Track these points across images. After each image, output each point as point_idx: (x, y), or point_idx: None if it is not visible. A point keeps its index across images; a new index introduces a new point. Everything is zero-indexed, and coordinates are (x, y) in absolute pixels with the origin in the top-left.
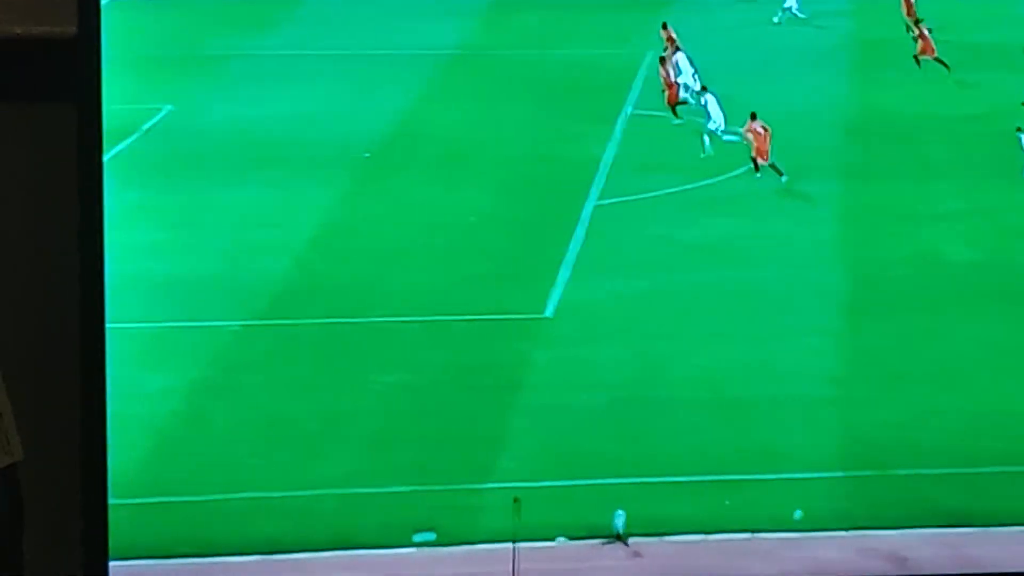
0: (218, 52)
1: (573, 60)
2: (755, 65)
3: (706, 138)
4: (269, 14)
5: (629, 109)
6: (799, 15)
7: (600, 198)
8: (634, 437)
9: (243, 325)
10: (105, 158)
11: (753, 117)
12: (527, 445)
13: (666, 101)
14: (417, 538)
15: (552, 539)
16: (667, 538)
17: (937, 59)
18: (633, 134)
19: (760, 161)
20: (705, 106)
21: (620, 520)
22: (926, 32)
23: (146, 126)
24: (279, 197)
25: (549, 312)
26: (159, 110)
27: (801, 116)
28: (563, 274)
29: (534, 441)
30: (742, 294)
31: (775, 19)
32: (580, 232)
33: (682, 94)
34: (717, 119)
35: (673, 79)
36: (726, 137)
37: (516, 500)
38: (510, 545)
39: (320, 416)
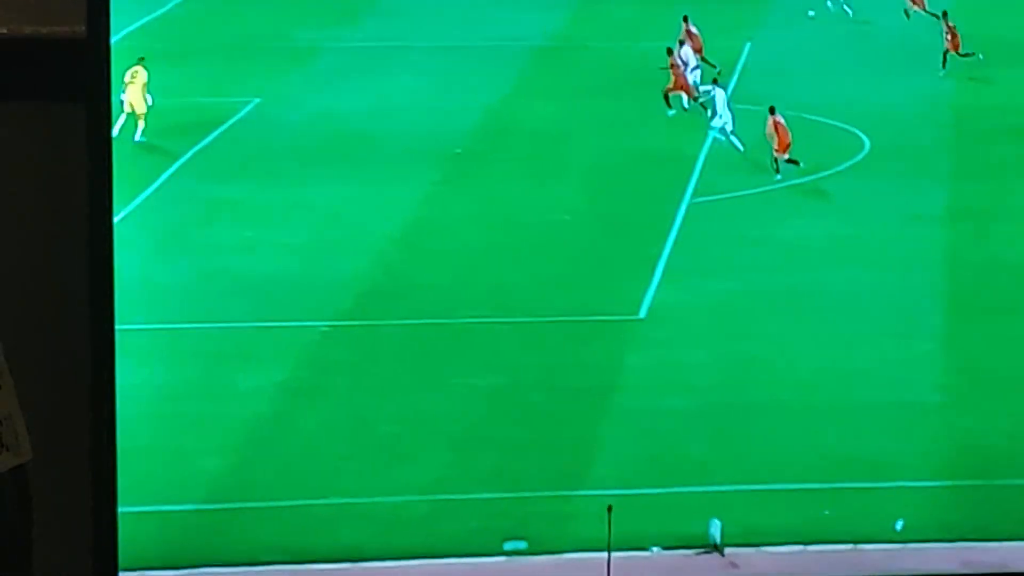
0: (306, 44)
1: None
2: (842, 64)
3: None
4: (357, 5)
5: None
6: (847, 10)
7: (695, 196)
8: (730, 443)
9: (330, 326)
10: (191, 152)
11: (772, 111)
12: (619, 451)
13: (664, 89)
14: (508, 546)
15: (646, 549)
16: (764, 548)
17: (963, 54)
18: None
19: (779, 156)
20: (713, 100)
21: (716, 529)
22: (954, 28)
23: (233, 120)
24: (366, 193)
25: (642, 314)
26: (247, 103)
27: (901, 117)
28: (656, 275)
29: (626, 447)
30: (841, 296)
31: (810, 13)
32: (674, 231)
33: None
34: (724, 117)
35: (681, 70)
36: (729, 138)
37: (609, 508)
38: (603, 554)
39: (407, 419)
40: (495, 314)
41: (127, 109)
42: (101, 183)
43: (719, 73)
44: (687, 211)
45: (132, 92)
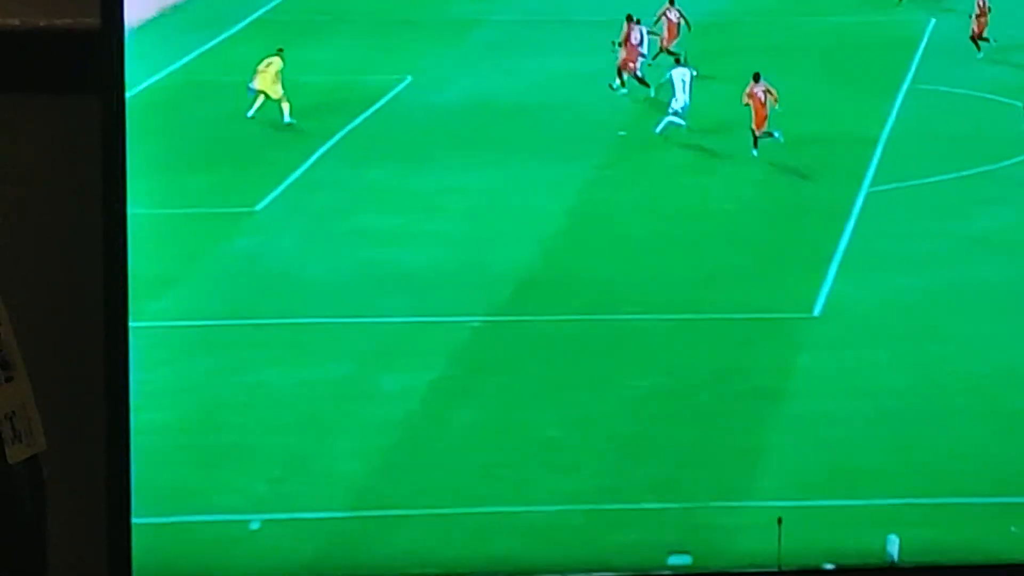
0: (461, 17)
1: (850, 27)
2: None
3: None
4: None
5: (908, 82)
6: None
7: (874, 184)
8: (910, 452)
9: (484, 321)
10: (339, 135)
11: (756, 79)
12: (790, 459)
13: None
14: (672, 560)
15: (819, 565)
16: (946, 567)
17: (982, 38)
18: (912, 111)
19: (756, 131)
20: (670, 81)
21: (894, 546)
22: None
23: (383, 100)
24: (524, 179)
25: (816, 311)
26: (398, 81)
27: None
28: (832, 269)
29: (798, 455)
30: None
31: None
32: (851, 222)
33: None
34: (681, 99)
35: (635, 44)
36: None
37: (779, 521)
38: (774, 571)
39: (566, 423)
40: (659, 310)
41: (259, 97)
42: (115, 175)
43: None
44: (865, 200)
45: (262, 80)
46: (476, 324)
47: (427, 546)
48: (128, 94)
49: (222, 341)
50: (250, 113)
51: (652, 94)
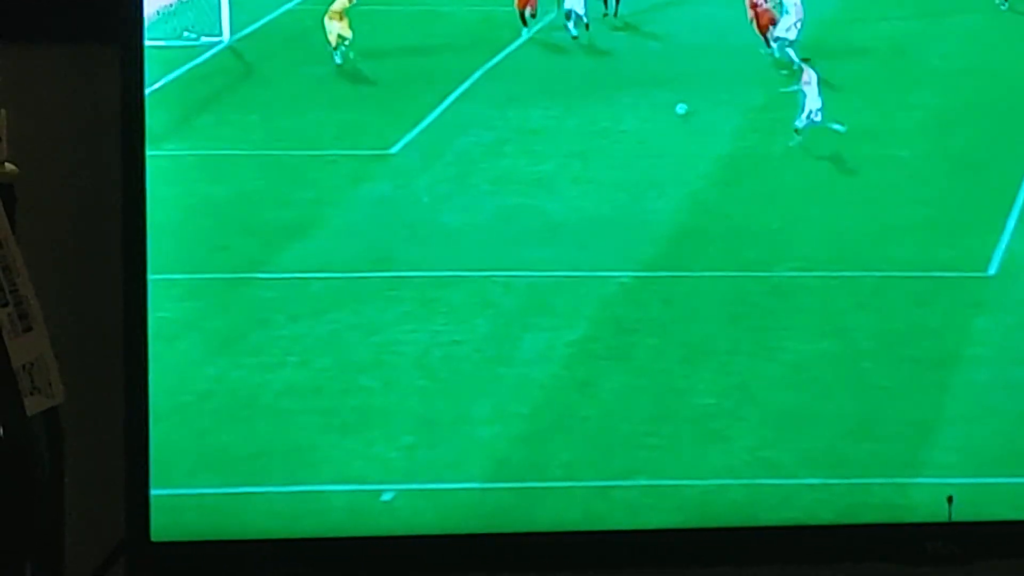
0: None
1: None
2: None
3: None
4: None
5: None
6: None
7: None
8: None
9: (633, 277)
10: (481, 70)
11: None
12: (964, 432)
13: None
14: None
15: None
16: None
17: None
18: None
19: (764, 34)
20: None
21: None
22: None
23: (529, 33)
24: (679, 121)
25: (992, 270)
26: (545, 13)
27: None
28: (1009, 224)
29: (973, 427)
30: None
31: None
32: None
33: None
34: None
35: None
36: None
37: (950, 499)
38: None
39: (720, 389)
40: (822, 267)
41: (334, 40)
42: (135, 124)
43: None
44: None
45: (337, 24)
46: (625, 280)
47: (570, 520)
48: (240, 33)
49: (353, 295)
50: (339, 61)
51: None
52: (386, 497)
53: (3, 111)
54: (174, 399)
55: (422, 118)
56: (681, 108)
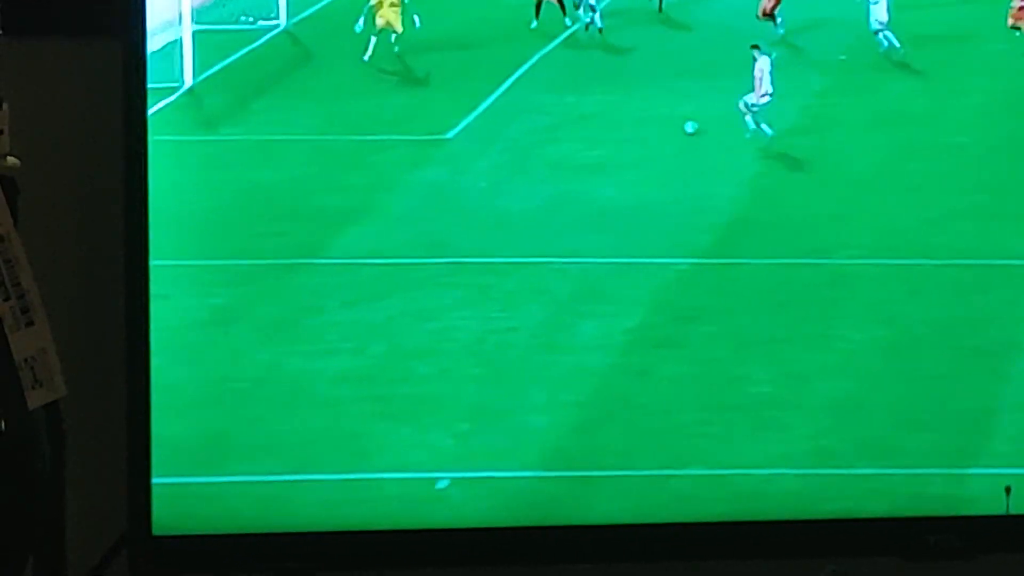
0: None
1: None
2: None
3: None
4: None
5: None
6: None
7: None
8: None
9: (690, 264)
10: (538, 55)
11: None
12: (1022, 421)
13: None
14: None
15: None
16: None
17: None
18: None
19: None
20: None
21: None
22: None
23: (585, 19)
24: (731, 110)
25: None
26: None
27: None
28: None
29: None
30: None
31: None
32: None
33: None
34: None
35: None
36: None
37: (1007, 489)
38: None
39: (777, 377)
40: (880, 254)
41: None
42: (138, 118)
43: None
44: None
45: (387, 12)
46: (681, 267)
47: (624, 510)
48: (297, 17)
49: (407, 282)
50: (366, 57)
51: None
52: (441, 485)
53: (5, 105)
54: (228, 386)
55: (478, 103)
56: (690, 127)
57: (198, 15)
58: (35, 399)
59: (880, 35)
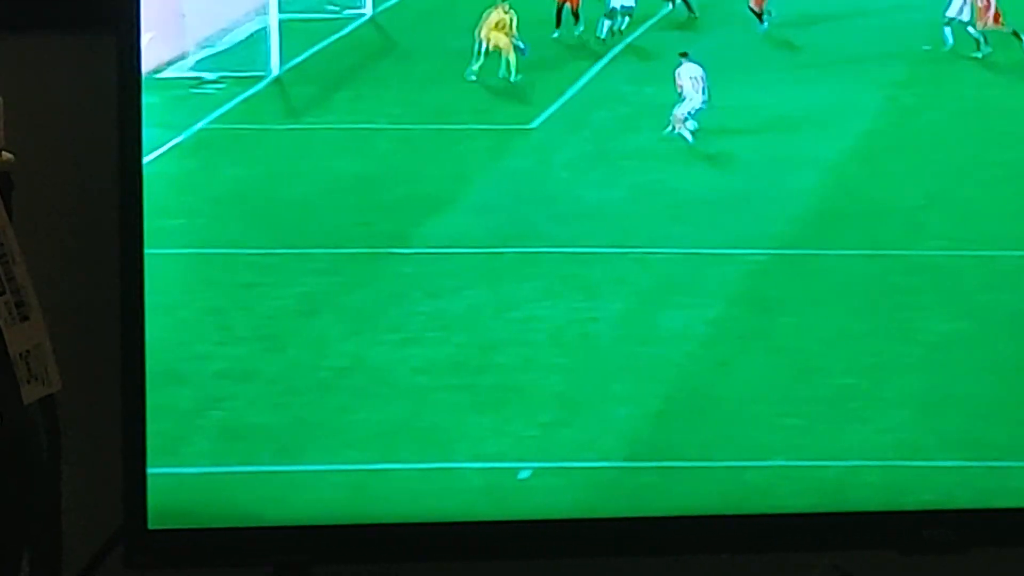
0: None
1: None
2: None
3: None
4: None
5: None
6: None
7: None
8: None
9: (771, 255)
10: (621, 45)
11: None
12: None
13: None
14: None
15: None
16: None
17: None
18: None
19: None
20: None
21: None
22: None
23: (667, 8)
24: (817, 95)
25: None
26: None
27: None
28: None
29: None
30: None
31: None
32: None
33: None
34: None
35: None
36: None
37: None
38: None
39: (858, 370)
40: (967, 245)
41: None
42: (132, 113)
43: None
44: None
45: (496, 37)
46: (762, 258)
47: (707, 501)
48: (383, 5)
49: (490, 271)
50: (472, 75)
51: None
52: (523, 475)
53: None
54: (312, 375)
55: (562, 92)
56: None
57: (284, 4)
58: (30, 394)
59: (948, 28)
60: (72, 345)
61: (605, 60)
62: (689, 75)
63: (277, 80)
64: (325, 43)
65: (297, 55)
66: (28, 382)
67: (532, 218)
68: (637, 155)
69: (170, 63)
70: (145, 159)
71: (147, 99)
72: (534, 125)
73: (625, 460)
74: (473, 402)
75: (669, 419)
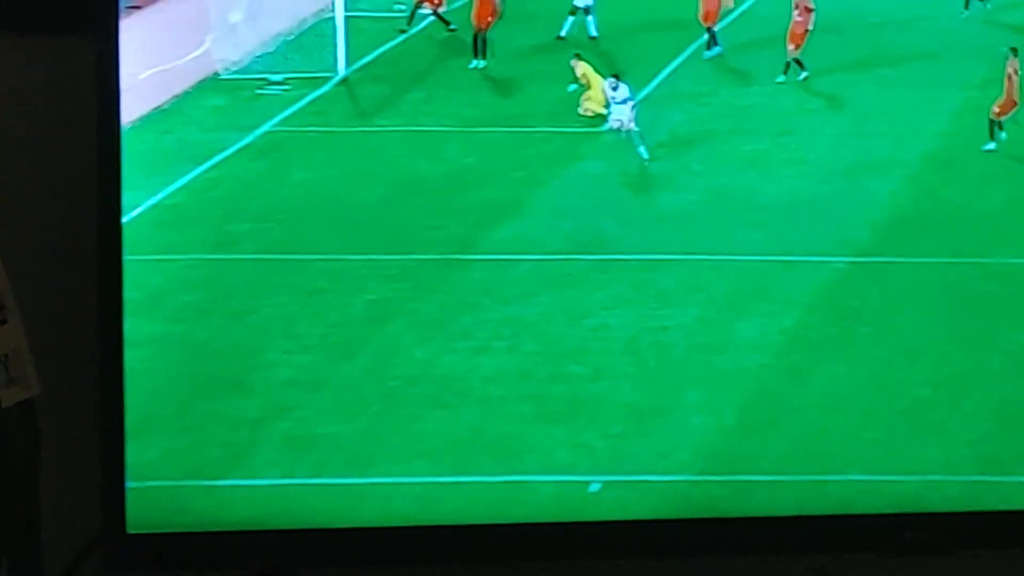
0: None
1: None
2: None
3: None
4: None
5: None
6: None
7: None
8: None
9: (849, 262)
10: (693, 46)
11: None
12: None
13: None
14: None
15: None
16: None
17: None
18: None
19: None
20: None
21: None
22: None
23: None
24: (898, 98)
25: None
26: None
27: None
28: None
29: None
30: None
31: None
32: None
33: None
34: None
35: None
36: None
37: None
38: None
39: (938, 381)
40: None
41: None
42: (110, 115)
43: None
44: None
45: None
46: (840, 265)
47: (782, 516)
48: (455, 4)
49: (562, 278)
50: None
51: None
52: (594, 488)
53: None
54: (383, 384)
55: (634, 96)
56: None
57: (351, 2)
58: (9, 397)
59: None
60: (52, 350)
61: (678, 61)
62: (617, 94)
63: (345, 80)
64: (394, 43)
65: (365, 55)
66: (7, 386)
67: (604, 223)
68: (712, 159)
69: (235, 64)
70: (211, 161)
71: (212, 101)
72: (605, 128)
73: (698, 474)
74: (543, 412)
75: (743, 431)
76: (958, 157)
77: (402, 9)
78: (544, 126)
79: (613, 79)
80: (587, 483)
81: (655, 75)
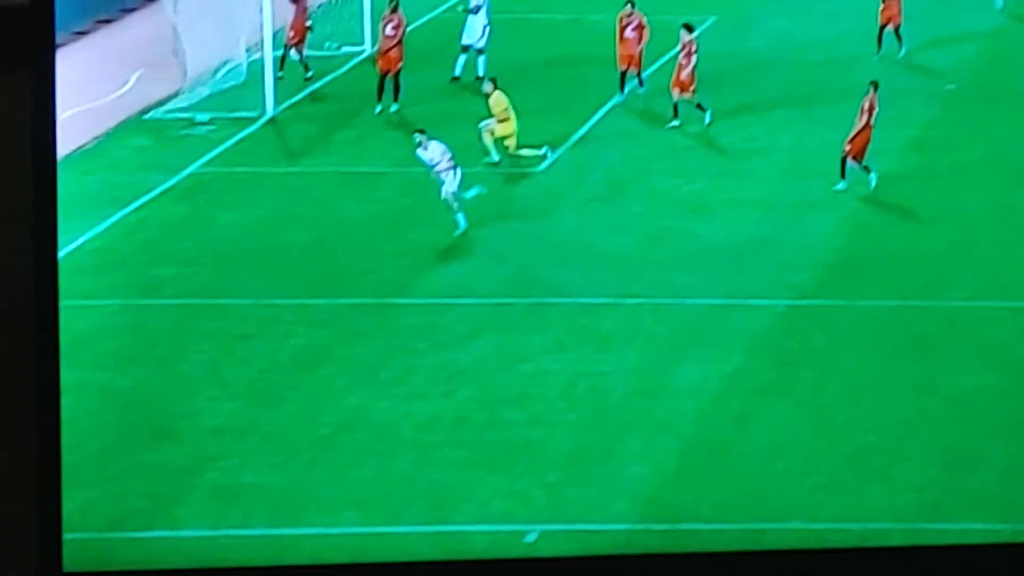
0: None
1: None
2: None
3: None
4: None
5: None
6: None
7: None
8: None
9: (789, 306)
10: (629, 86)
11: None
12: None
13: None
14: None
15: None
16: None
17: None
18: None
19: (625, 68)
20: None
21: None
22: None
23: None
24: (832, 138)
25: None
26: (703, 21)
27: None
28: None
29: None
30: None
31: None
32: None
33: None
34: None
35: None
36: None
37: None
38: None
39: (881, 426)
40: (991, 296)
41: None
42: (46, 152)
43: None
44: None
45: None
46: (781, 308)
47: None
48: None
49: (498, 322)
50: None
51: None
52: (530, 538)
53: None
54: (313, 432)
55: (569, 136)
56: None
57: (279, 41)
58: None
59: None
60: None
61: (616, 99)
62: (430, 154)
63: (273, 120)
64: (323, 82)
65: (294, 95)
66: None
67: (542, 266)
68: (651, 199)
69: (160, 103)
70: (135, 204)
71: (136, 141)
72: (541, 168)
73: (637, 522)
74: (478, 459)
75: (683, 478)
76: (901, 197)
77: (334, 47)
78: (478, 166)
79: (419, 134)
80: (524, 532)
81: (591, 115)
